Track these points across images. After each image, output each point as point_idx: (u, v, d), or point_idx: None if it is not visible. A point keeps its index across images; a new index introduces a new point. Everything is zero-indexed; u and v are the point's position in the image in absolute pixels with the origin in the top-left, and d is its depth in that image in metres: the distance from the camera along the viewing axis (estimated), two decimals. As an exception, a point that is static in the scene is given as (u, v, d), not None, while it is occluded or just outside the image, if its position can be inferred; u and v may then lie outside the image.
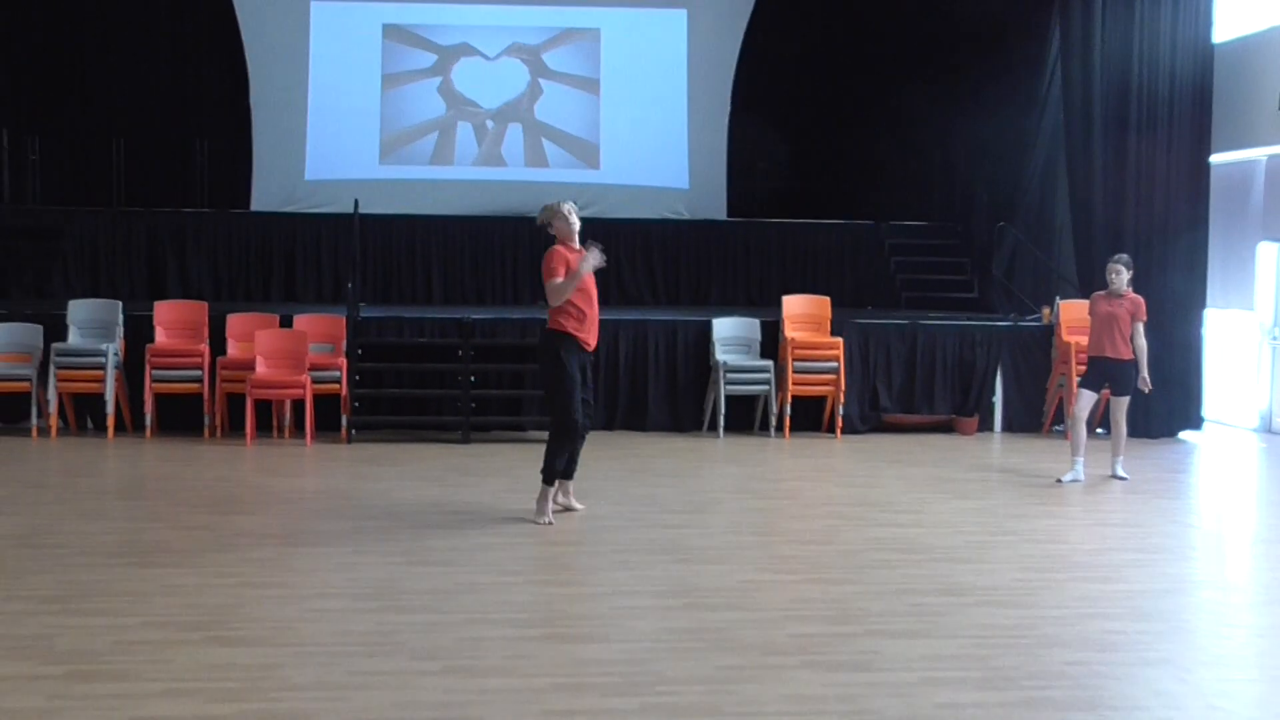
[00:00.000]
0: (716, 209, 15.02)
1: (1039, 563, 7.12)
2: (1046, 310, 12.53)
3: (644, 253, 14.64)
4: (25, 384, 11.15)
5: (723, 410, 11.73)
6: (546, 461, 7.87)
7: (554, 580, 6.66)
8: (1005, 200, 14.11)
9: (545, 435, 8.17)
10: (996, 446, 11.66)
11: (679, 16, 14.93)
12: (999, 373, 12.23)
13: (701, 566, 6.90)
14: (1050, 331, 12.28)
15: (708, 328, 12.03)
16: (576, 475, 8.22)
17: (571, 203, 8.02)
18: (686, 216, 14.84)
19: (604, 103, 14.93)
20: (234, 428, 11.32)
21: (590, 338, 7.92)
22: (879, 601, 6.24)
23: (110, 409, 11.20)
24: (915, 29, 14.98)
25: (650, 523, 8.05)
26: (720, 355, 11.87)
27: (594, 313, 7.91)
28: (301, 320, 11.71)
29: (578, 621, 5.89)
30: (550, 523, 7.81)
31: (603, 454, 10.67)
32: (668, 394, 12.06)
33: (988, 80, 14.13)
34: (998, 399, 12.26)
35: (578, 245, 7.90)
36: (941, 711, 4.76)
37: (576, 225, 7.90)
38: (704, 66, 14.88)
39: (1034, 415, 12.31)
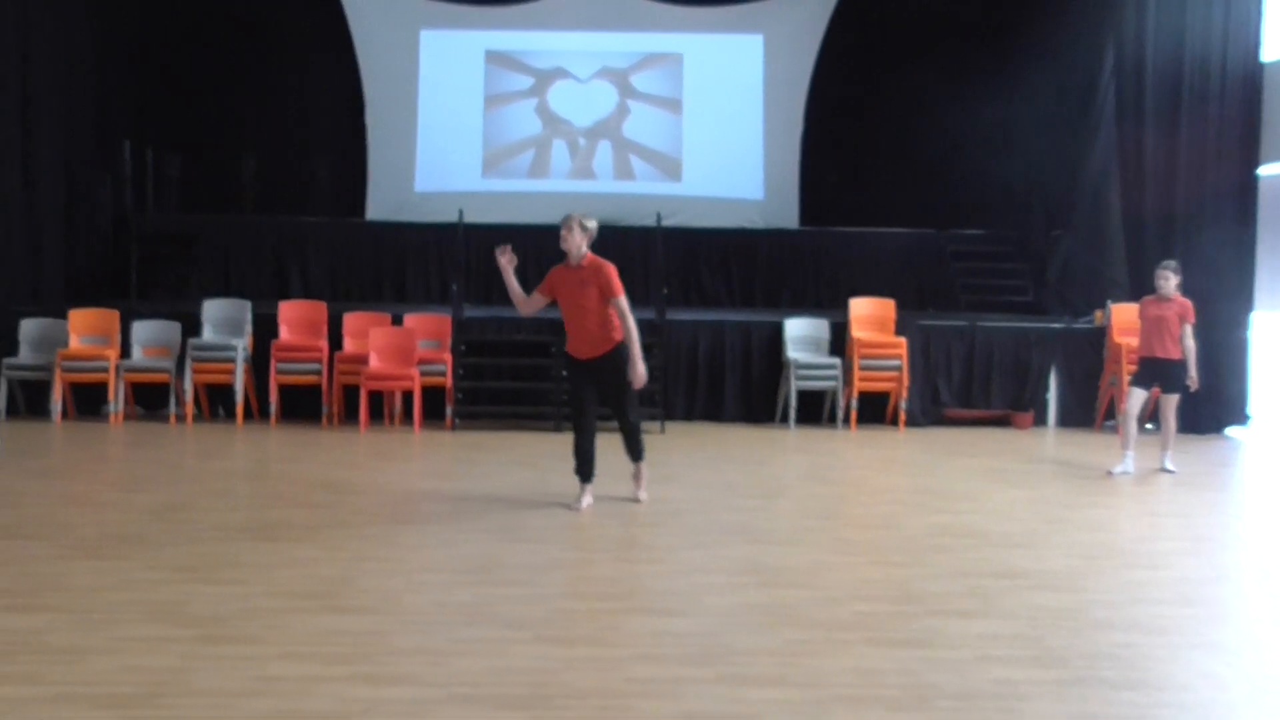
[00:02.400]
0: (789, 218, 14.90)
1: (1090, 549, 6.95)
2: (1099, 313, 12.26)
3: (721, 259, 14.55)
4: (165, 375, 11.35)
5: (794, 404, 11.64)
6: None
7: (636, 558, 6.62)
8: (1059, 209, 13.84)
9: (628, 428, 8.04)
10: (1050, 440, 11.44)
11: (756, 41, 14.83)
12: (1053, 371, 12.00)
13: (772, 548, 6.83)
14: (1102, 333, 12.02)
15: (780, 328, 11.94)
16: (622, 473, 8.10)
17: (568, 218, 7.59)
18: (761, 225, 14.73)
19: (685, 120, 14.87)
20: (349, 416, 11.43)
21: (568, 346, 7.70)
22: (938, 583, 6.12)
23: (239, 398, 11.36)
24: (974, 48, 14.74)
25: (725, 506, 7.99)
26: (791, 353, 11.78)
27: (573, 326, 7.59)
28: (411, 319, 11.79)
29: (658, 596, 5.85)
30: (573, 509, 7.65)
31: (682, 443, 10.64)
32: (743, 388, 12.00)
33: (1043, 95, 13.87)
34: (1052, 396, 12.03)
35: (571, 261, 7.56)
36: (996, 687, 4.65)
37: (566, 243, 7.54)
38: (779, 86, 14.76)
39: (1086, 411, 12.05)
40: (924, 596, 5.87)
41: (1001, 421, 12.01)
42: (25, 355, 11.44)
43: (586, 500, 7.77)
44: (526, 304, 7.81)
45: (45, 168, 12.23)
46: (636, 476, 8.03)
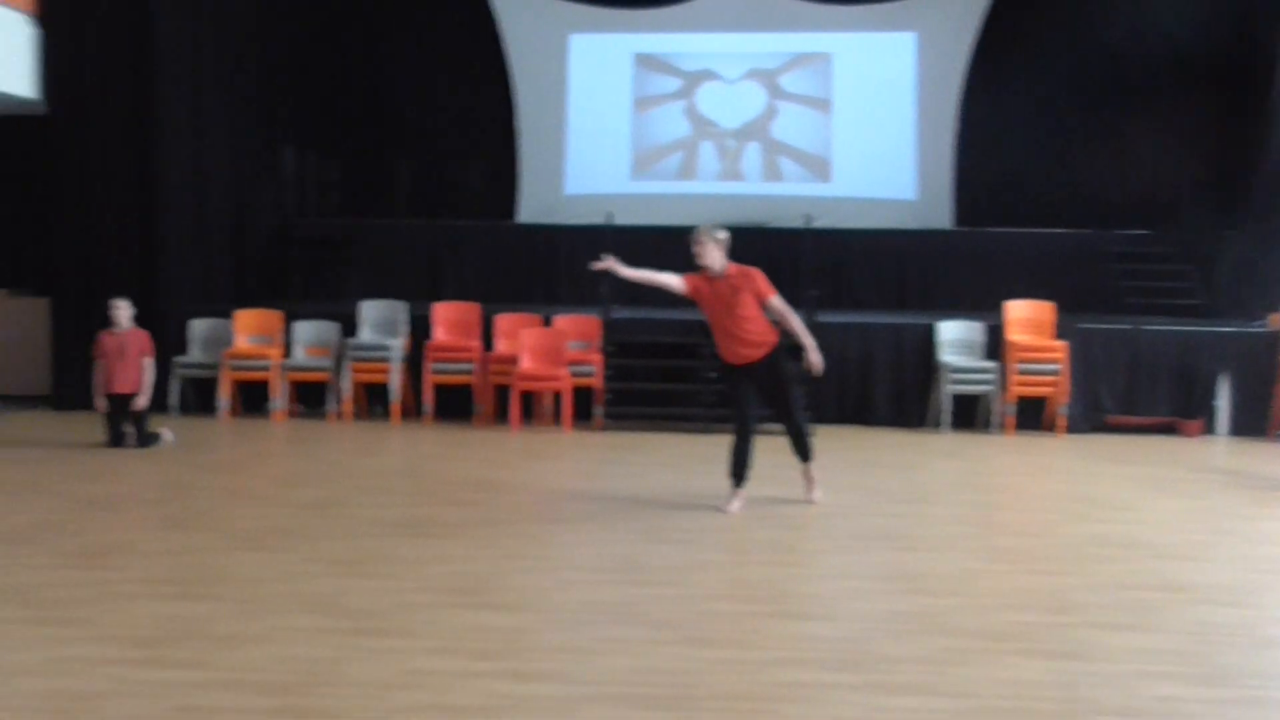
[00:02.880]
0: (942, 219, 14.63)
1: (1260, 564, 6.66)
2: (1275, 317, 11.74)
3: (872, 260, 14.36)
4: (325, 374, 11.70)
5: (946, 408, 11.42)
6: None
7: (782, 561, 6.57)
8: (1230, 209, 13.28)
9: (781, 429, 8.03)
10: (1220, 449, 10.99)
11: (908, 39, 14.61)
12: (1224, 377, 11.52)
13: (922, 554, 6.72)
14: (1277, 338, 11.50)
15: (932, 331, 11.73)
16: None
17: (697, 232, 7.57)
18: (914, 226, 14.50)
19: (835, 120, 14.73)
20: (500, 416, 11.62)
21: (723, 353, 7.70)
22: (1096, 594, 5.94)
23: (395, 397, 11.64)
24: (1136, 44, 14.26)
25: (875, 511, 7.88)
26: (945, 356, 11.56)
27: (726, 335, 7.59)
28: (561, 320, 11.93)
29: (804, 601, 5.80)
30: (722, 511, 7.66)
31: (832, 446, 10.52)
32: (893, 392, 11.83)
33: (1214, 91, 13.34)
34: (1222, 403, 11.54)
35: (711, 273, 7.54)
36: (1161, 704, 4.49)
37: (703, 258, 7.52)
38: (932, 84, 14.52)
39: (1259, 420, 11.54)
40: (1081, 607, 5.70)
41: (1167, 429, 11.59)
42: (194, 354, 11.92)
43: (736, 504, 7.75)
44: (645, 278, 7.67)
45: (213, 174, 12.73)
46: (807, 477, 8.01)
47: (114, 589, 5.74)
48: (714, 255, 7.52)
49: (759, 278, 7.54)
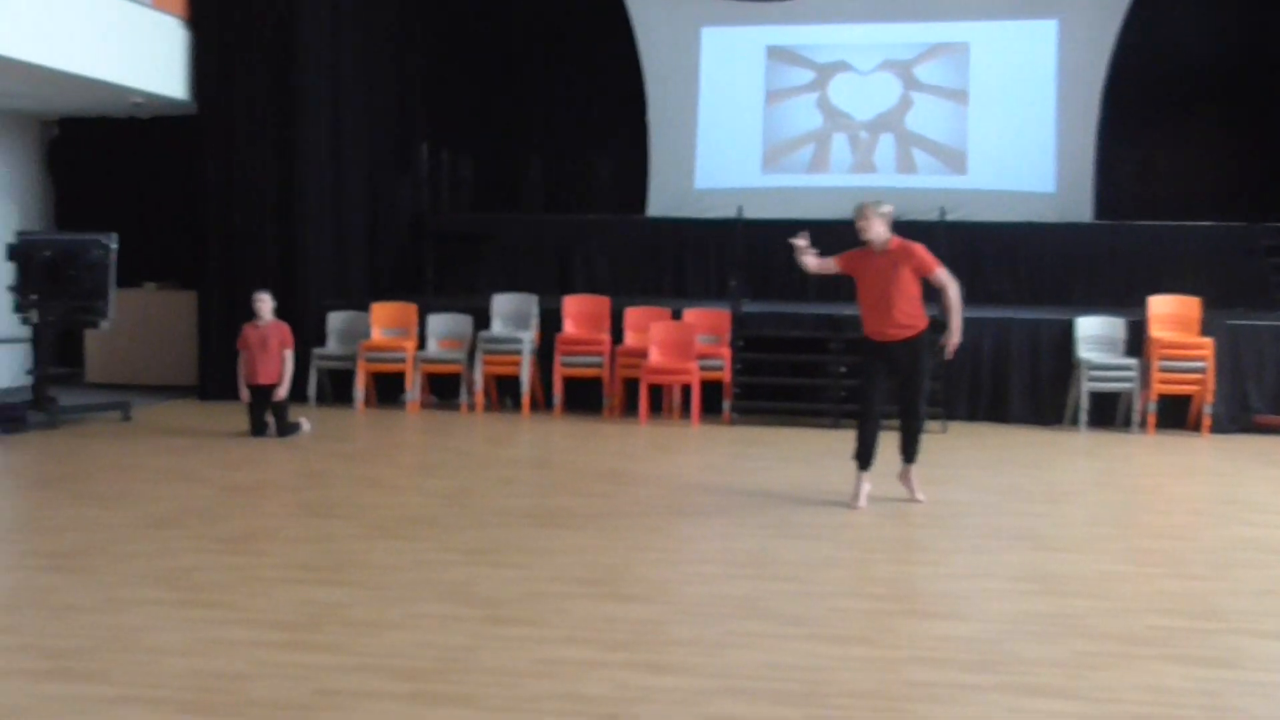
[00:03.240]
0: (1082, 212, 14.24)
1: None
2: None
3: (1008, 254, 14.05)
4: (458, 366, 11.91)
5: (1084, 406, 11.15)
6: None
7: (913, 559, 6.50)
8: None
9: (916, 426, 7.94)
10: (1376, 451, 10.53)
11: (1049, 27, 14.24)
12: (1381, 377, 11.03)
13: (1059, 554, 6.57)
14: None
15: (1070, 326, 11.46)
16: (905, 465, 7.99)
17: (862, 207, 7.67)
18: (1052, 219, 14.14)
19: (972, 111, 14.43)
20: (629, 409, 11.68)
21: (868, 329, 7.71)
22: (1244, 600, 5.74)
23: (525, 389, 11.79)
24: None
25: (1008, 510, 7.74)
26: (1083, 353, 11.28)
27: (878, 310, 7.61)
28: (690, 314, 11.95)
29: (936, 599, 5.72)
30: (852, 507, 7.64)
31: (964, 443, 10.37)
32: (1029, 389, 11.57)
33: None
34: (1379, 403, 11.06)
35: (873, 248, 7.65)
36: (1311, 714, 4.34)
37: (868, 232, 7.61)
38: (1074, 73, 14.13)
39: None
40: (1227, 613, 5.52)
41: (1320, 430, 11.14)
42: (332, 346, 12.23)
43: (865, 489, 7.74)
44: (820, 266, 7.86)
45: (351, 171, 13.03)
46: (908, 478, 7.93)
47: (257, 573, 5.93)
48: (878, 229, 7.60)
49: (921, 251, 7.59)
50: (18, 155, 13.90)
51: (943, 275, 7.58)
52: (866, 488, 7.75)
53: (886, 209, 7.66)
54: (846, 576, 6.11)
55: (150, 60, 11.70)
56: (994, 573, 6.18)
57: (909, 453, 7.86)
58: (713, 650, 4.88)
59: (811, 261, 7.80)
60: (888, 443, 7.79)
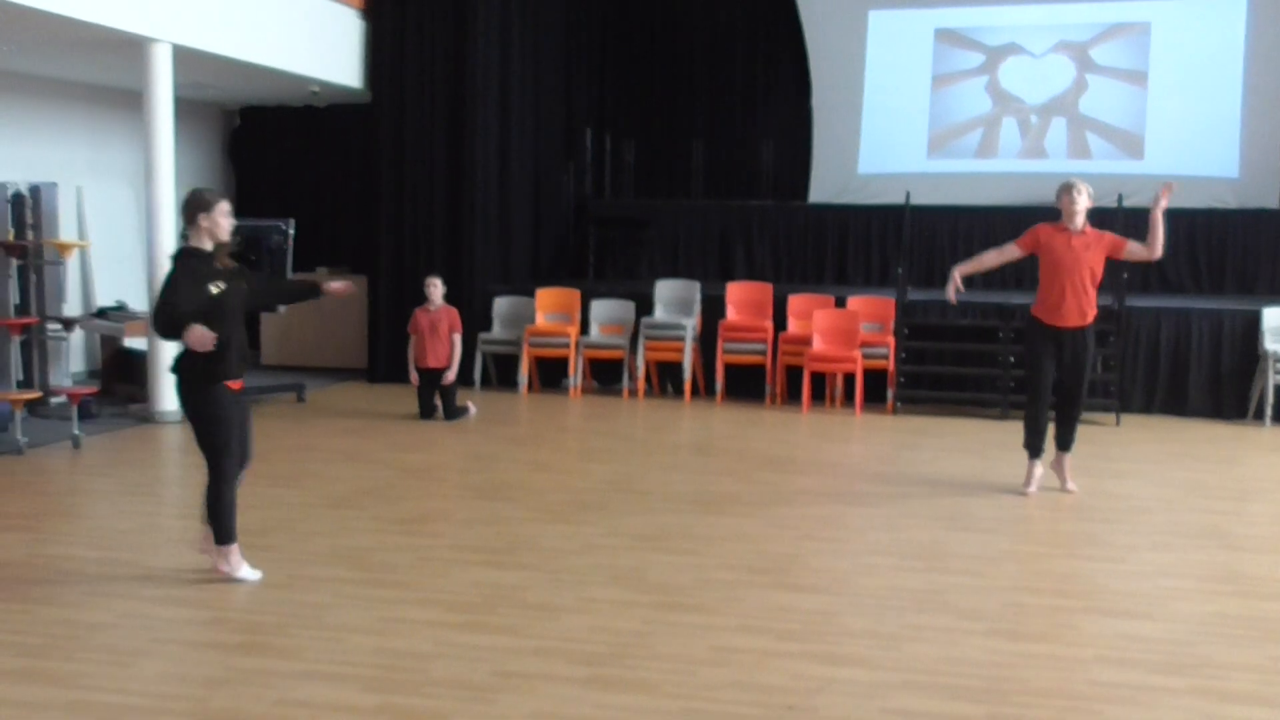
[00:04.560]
0: (1268, 198, 13.60)
1: None
2: None
3: (1187, 242, 13.48)
4: (620, 352, 11.97)
5: (1270, 400, 10.65)
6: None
7: (1094, 555, 6.29)
8: None
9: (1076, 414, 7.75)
10: None
11: (1239, 4, 13.59)
12: None
13: (1249, 554, 6.29)
14: None
15: (1255, 316, 10.96)
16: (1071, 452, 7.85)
17: (1073, 184, 7.55)
18: (1235, 205, 13.54)
19: (1151, 94, 13.88)
20: (791, 397, 11.59)
21: (1045, 312, 7.56)
22: None
23: (687, 375, 11.79)
24: None
25: (1191, 507, 7.44)
26: (1270, 345, 10.77)
27: (1062, 293, 7.46)
28: (854, 301, 11.79)
29: (1120, 598, 5.53)
30: (1023, 493, 7.61)
31: (1140, 436, 10.02)
32: (1210, 381, 11.10)
33: None
34: None
35: (1072, 226, 7.51)
36: None
37: (1074, 205, 7.49)
38: (1262, 52, 13.47)
39: None
40: None
41: None
42: (497, 331, 12.42)
43: (1038, 474, 7.66)
44: (999, 257, 7.83)
45: (517, 156, 13.19)
46: (1062, 466, 7.77)
47: (432, 554, 6.06)
48: (1084, 207, 7.52)
49: (1113, 236, 7.59)
50: (202, 144, 14.45)
51: (1135, 245, 7.60)
52: (1039, 472, 7.69)
53: (1090, 189, 7.62)
54: (1024, 571, 5.95)
55: (328, 50, 12.04)
56: (1180, 571, 5.94)
57: (1066, 441, 7.73)
58: (890, 643, 4.80)
59: (965, 270, 7.89)
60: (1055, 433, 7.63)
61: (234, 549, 5.60)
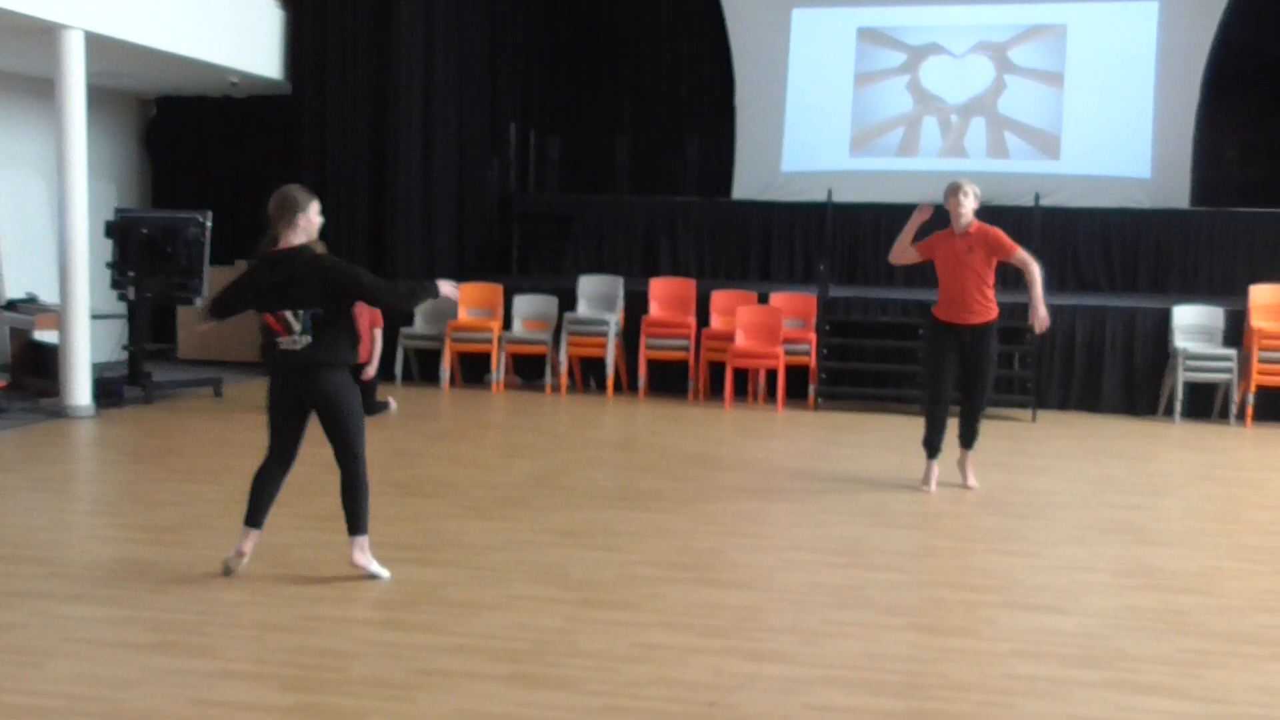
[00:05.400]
0: (1179, 198, 13.89)
1: None
2: None
3: (1101, 241, 13.75)
4: (543, 347, 11.93)
5: (1180, 396, 10.89)
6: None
7: (1011, 550, 6.37)
8: None
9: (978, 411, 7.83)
10: None
11: (1150, 8, 13.87)
12: None
13: (1160, 549, 6.42)
14: None
15: (1166, 315, 11.20)
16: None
17: (960, 185, 7.57)
18: (1147, 205, 13.82)
19: (1067, 95, 14.12)
20: (714, 393, 11.63)
21: (941, 311, 7.64)
22: (1358, 600, 5.57)
23: (610, 371, 11.78)
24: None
25: (1105, 502, 7.59)
26: (1180, 342, 11.02)
27: (954, 292, 7.55)
28: (777, 297, 11.85)
29: (1036, 592, 5.61)
30: (923, 490, 7.66)
31: (1055, 433, 10.19)
32: (1123, 378, 11.33)
33: None
34: None
35: (957, 228, 7.58)
36: None
37: (960, 207, 7.52)
38: (1174, 56, 13.76)
39: None
40: (1342, 614, 5.36)
41: None
42: (420, 326, 12.31)
43: (936, 473, 7.73)
44: (903, 253, 7.81)
45: (441, 150, 13.07)
46: (966, 464, 7.84)
47: (353, 550, 5.96)
48: (969, 209, 7.55)
49: (999, 234, 7.56)
50: (117, 134, 14.14)
51: (1024, 255, 7.54)
52: (937, 471, 7.76)
53: (979, 191, 7.64)
54: (943, 566, 6.02)
55: (247, 40, 11.84)
56: (1095, 566, 6.05)
57: (969, 439, 7.82)
58: (812, 639, 4.83)
59: (902, 248, 7.81)
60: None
61: (367, 540, 5.57)
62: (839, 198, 12.79)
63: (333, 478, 7.56)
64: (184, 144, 14.57)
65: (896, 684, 4.39)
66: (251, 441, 8.92)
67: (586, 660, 4.54)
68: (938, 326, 7.67)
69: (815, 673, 4.46)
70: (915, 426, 10.20)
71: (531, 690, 4.25)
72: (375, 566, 5.55)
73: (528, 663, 4.51)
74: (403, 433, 9.57)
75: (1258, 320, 10.94)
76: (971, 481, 7.80)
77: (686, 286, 12.14)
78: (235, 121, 14.27)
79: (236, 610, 5.04)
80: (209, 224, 10.95)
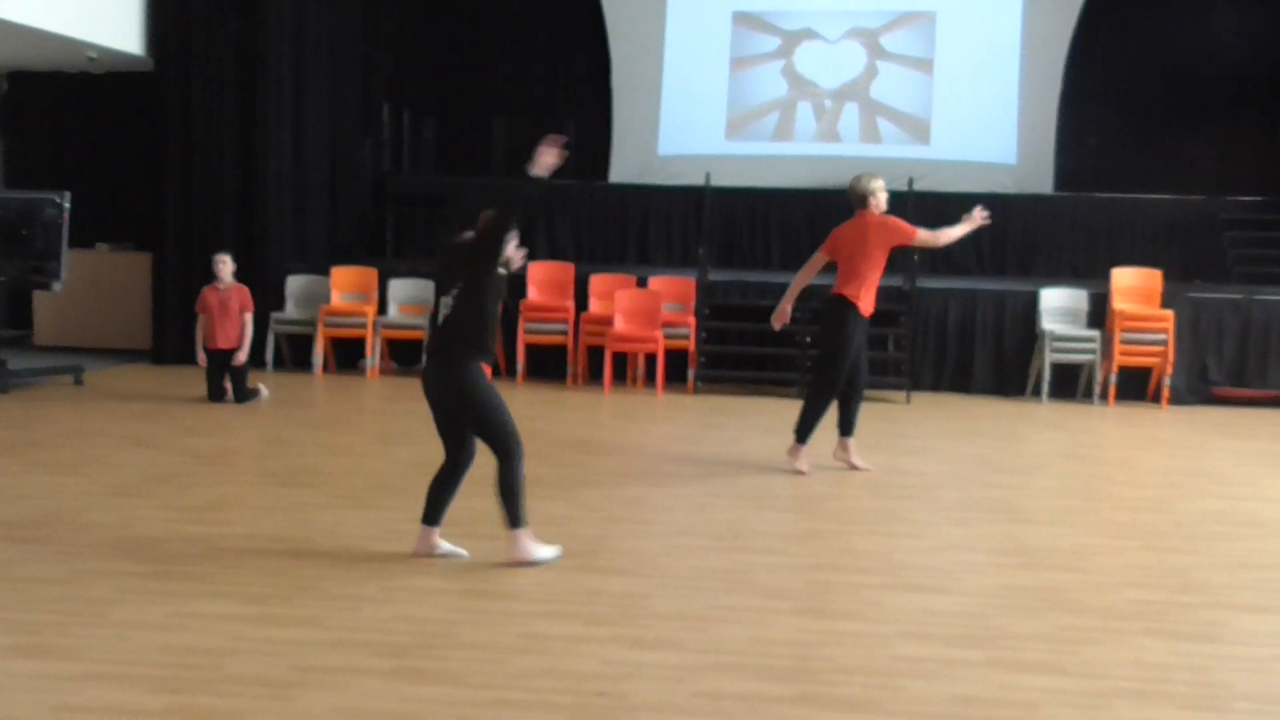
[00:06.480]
0: (1043, 183, 14.24)
1: (1391, 544, 6.40)
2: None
3: (972, 225, 14.04)
4: (419, 332, 11.71)
5: (1047, 377, 11.17)
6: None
7: (892, 532, 6.43)
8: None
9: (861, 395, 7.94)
10: (1333, 424, 10.62)
11: (1016, -2, 14.20)
12: (1338, 350, 11.13)
13: (1034, 527, 6.55)
14: (1396, 310, 11.06)
15: (1034, 297, 11.47)
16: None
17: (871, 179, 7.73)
18: (1013, 190, 14.13)
19: (936, 81, 14.35)
20: (592, 377, 11.56)
21: (866, 307, 7.68)
22: (1221, 574, 5.74)
23: (489, 356, 11.61)
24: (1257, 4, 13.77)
25: (981, 482, 7.72)
26: (1047, 324, 11.29)
27: (864, 283, 7.62)
28: (656, 281, 11.83)
29: (918, 572, 5.67)
30: (801, 472, 7.66)
31: (930, 414, 10.36)
32: (994, 360, 11.58)
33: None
34: (1335, 376, 11.17)
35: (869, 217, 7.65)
36: (1300, 690, 4.32)
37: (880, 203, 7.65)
38: (1038, 44, 14.07)
39: (1376, 394, 11.12)
40: (1206, 587, 5.52)
41: (1277, 402, 11.21)
42: (291, 310, 11.99)
43: (806, 462, 7.73)
44: (807, 274, 7.83)
45: (312, 129, 12.75)
46: (849, 449, 7.89)
47: (226, 544, 5.77)
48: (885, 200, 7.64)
49: (895, 222, 7.63)
50: (-35, 111, 13.50)
51: (926, 234, 7.67)
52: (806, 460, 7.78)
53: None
54: (827, 549, 6.05)
55: (104, 13, 11.35)
56: (973, 545, 6.14)
57: (854, 425, 7.88)
58: (698, 625, 4.79)
59: (802, 278, 7.86)
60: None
61: (526, 532, 5.46)
62: (716, 182, 12.82)
63: (211, 469, 7.36)
64: (39, 122, 13.97)
65: (784, 668, 4.38)
66: (116, 431, 8.61)
67: (471, 652, 4.44)
68: (854, 316, 7.63)
69: (703, 659, 4.43)
70: (793, 409, 10.17)
71: (415, 685, 4.14)
72: (537, 554, 5.49)
73: (411, 657, 4.39)
74: (274, 421, 9.32)
75: (1119, 302, 11.25)
76: (864, 464, 7.85)
77: (564, 270, 12.05)
78: (95, 99, 13.71)
79: (103, 609, 4.82)
80: (67, 205, 10.48)
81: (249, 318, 10.13)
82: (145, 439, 8.35)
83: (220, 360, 9.97)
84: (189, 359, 10.48)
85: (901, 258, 11.76)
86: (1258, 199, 13.96)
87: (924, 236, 7.67)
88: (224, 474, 7.52)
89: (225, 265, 10.10)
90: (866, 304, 7.64)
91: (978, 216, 7.72)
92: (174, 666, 4.26)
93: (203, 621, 4.70)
